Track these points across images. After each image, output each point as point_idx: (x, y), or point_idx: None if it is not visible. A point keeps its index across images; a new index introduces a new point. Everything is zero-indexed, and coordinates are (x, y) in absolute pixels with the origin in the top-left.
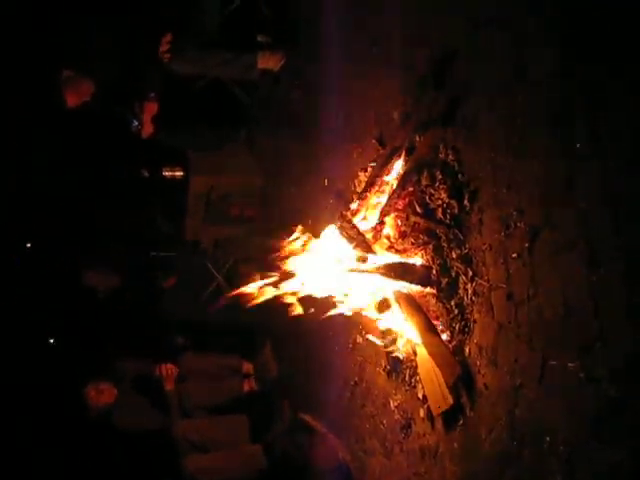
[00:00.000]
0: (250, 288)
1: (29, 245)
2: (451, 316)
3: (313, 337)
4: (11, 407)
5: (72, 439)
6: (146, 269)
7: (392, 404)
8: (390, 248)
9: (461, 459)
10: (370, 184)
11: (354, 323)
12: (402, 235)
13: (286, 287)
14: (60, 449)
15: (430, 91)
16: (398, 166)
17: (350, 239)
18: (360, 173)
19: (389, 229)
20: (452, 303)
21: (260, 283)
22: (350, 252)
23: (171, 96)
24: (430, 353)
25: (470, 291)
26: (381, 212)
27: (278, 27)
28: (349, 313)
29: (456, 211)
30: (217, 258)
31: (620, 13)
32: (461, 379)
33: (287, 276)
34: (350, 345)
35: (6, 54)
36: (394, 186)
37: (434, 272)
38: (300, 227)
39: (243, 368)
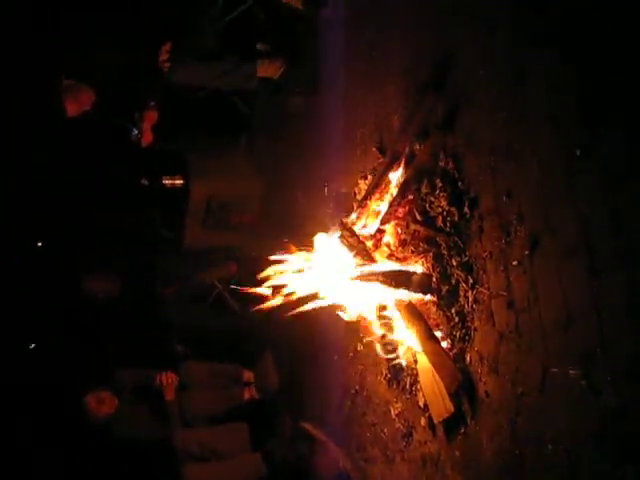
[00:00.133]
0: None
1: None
2: (452, 324)
3: (314, 346)
4: (10, 414)
5: (72, 448)
6: (146, 274)
7: (393, 412)
8: (390, 256)
9: (463, 467)
10: (370, 192)
11: (354, 331)
12: (402, 243)
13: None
14: (60, 458)
15: (430, 97)
16: (398, 174)
17: (350, 247)
18: (360, 181)
19: (389, 237)
20: (453, 311)
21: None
22: (350, 260)
23: (171, 105)
24: (431, 361)
25: (471, 299)
26: (381, 220)
27: (277, 35)
28: (350, 321)
29: (456, 219)
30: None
31: (620, 13)
32: (462, 387)
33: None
34: (351, 353)
35: (7, 61)
36: (394, 194)
37: (434, 280)
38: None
39: (244, 377)
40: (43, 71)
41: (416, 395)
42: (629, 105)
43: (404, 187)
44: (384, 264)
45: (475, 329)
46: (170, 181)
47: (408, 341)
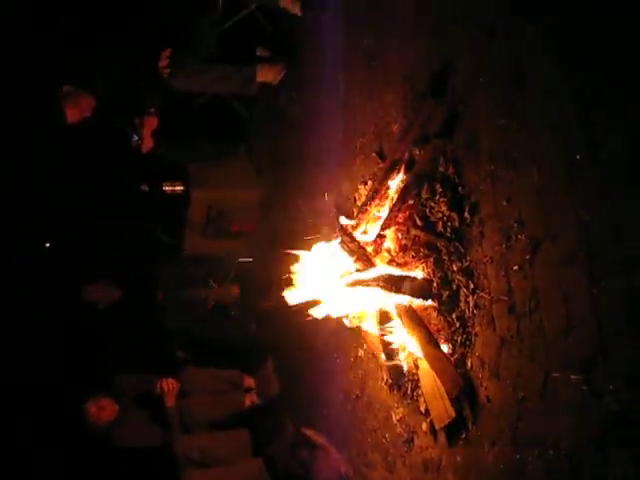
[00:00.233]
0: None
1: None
2: (452, 329)
3: (314, 351)
4: (10, 419)
5: (73, 455)
6: (146, 282)
7: (394, 418)
8: (391, 261)
9: (464, 473)
10: (370, 197)
11: (355, 337)
12: (403, 248)
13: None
14: (60, 464)
15: (429, 104)
16: (398, 179)
17: (351, 253)
18: (360, 186)
19: (390, 242)
20: (453, 316)
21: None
22: (351, 266)
23: (171, 111)
24: (432, 366)
25: (471, 304)
26: (382, 225)
27: (277, 40)
28: (351, 326)
29: (457, 224)
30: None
31: (618, 20)
32: (463, 392)
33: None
34: (351, 359)
35: (7, 66)
36: (394, 199)
37: (435, 285)
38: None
39: (244, 382)
40: (43, 77)
41: (417, 400)
42: (629, 110)
43: (404, 192)
44: (385, 269)
45: (476, 334)
46: (170, 187)
47: (409, 346)
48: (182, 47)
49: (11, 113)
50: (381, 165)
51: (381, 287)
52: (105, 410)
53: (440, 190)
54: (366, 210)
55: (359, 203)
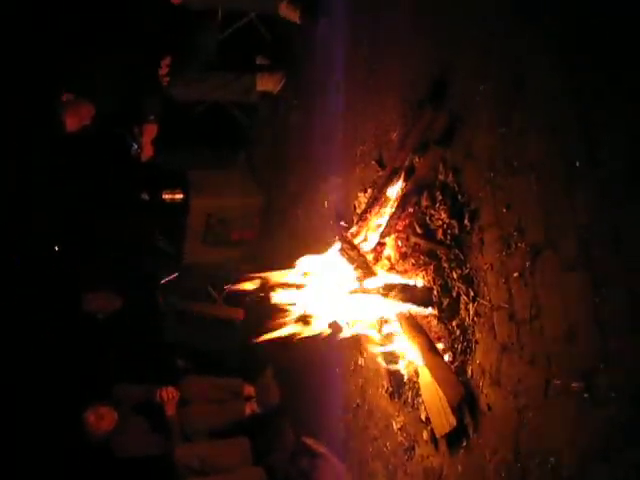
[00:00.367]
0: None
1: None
2: (453, 337)
3: (314, 359)
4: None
5: (72, 464)
6: (147, 289)
7: (395, 426)
8: (391, 269)
9: None
10: (370, 205)
11: (355, 345)
12: (403, 256)
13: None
14: (60, 474)
15: (429, 111)
16: (398, 187)
17: (351, 260)
18: (360, 194)
19: (390, 250)
20: (454, 324)
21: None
22: (351, 273)
23: (170, 119)
24: (433, 374)
25: (472, 311)
26: (381, 233)
27: (276, 48)
28: (350, 335)
29: (456, 231)
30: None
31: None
32: (464, 400)
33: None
34: (352, 367)
35: (8, 75)
36: (394, 207)
37: (435, 293)
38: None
39: (245, 391)
40: (43, 85)
41: (418, 408)
42: (630, 115)
43: (404, 200)
44: (385, 277)
45: (476, 342)
46: (170, 195)
47: (409, 354)
48: (182, 55)
49: (11, 119)
50: (381, 173)
51: (381, 295)
52: (104, 419)
53: (440, 198)
54: (366, 218)
55: (359, 211)
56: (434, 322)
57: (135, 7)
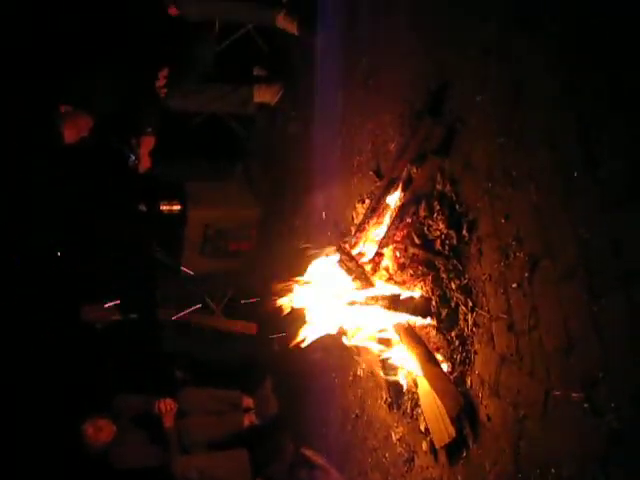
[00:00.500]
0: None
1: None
2: (452, 347)
3: (313, 370)
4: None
5: (70, 475)
6: (145, 300)
7: (394, 437)
8: (389, 280)
9: None
10: (368, 216)
11: (354, 355)
12: (401, 267)
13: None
14: None
15: (427, 122)
16: (396, 198)
17: (349, 271)
18: (358, 205)
19: (388, 261)
20: (452, 334)
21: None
22: (349, 284)
23: (168, 130)
24: (432, 385)
25: (470, 322)
26: (380, 244)
27: (274, 60)
28: (350, 345)
29: (455, 242)
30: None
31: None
32: (463, 411)
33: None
34: (350, 378)
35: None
36: (392, 218)
37: (434, 303)
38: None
39: (243, 403)
40: (41, 97)
41: (417, 419)
42: (629, 123)
43: (402, 210)
44: (383, 288)
45: (475, 352)
46: (168, 207)
47: (408, 365)
48: (179, 67)
49: (10, 130)
50: (379, 183)
51: (380, 305)
52: (103, 431)
53: (438, 208)
54: (364, 228)
55: (357, 222)
56: (433, 333)
57: (133, 19)
